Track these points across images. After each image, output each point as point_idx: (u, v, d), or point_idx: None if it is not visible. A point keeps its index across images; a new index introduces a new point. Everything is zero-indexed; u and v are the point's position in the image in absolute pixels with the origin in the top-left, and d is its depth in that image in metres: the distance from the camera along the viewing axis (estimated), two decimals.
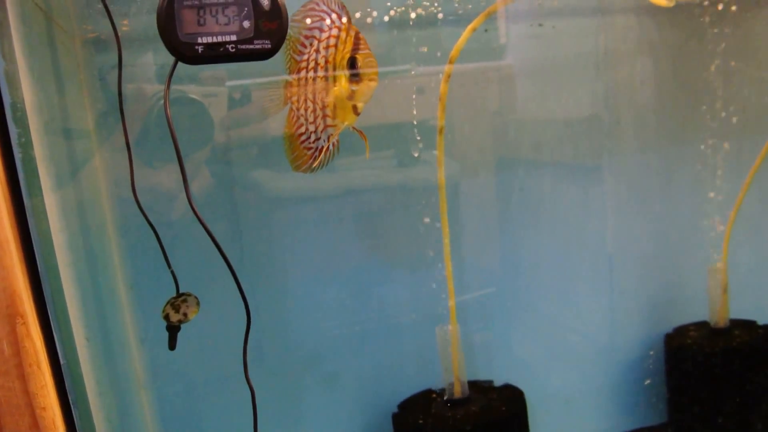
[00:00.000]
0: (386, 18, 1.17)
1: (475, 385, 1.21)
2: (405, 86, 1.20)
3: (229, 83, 1.10)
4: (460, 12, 1.19)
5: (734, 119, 1.44)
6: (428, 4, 1.18)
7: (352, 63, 0.91)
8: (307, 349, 1.24)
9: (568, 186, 1.39)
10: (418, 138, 1.21)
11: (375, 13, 1.17)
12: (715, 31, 1.38)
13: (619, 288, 1.44)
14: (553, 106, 1.35)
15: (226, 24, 0.69)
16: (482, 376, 1.30)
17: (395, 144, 1.22)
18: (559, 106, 1.35)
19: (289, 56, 0.91)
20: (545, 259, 1.38)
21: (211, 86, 1.09)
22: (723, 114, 1.43)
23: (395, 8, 1.17)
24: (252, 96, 1.12)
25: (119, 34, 1.01)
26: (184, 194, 1.12)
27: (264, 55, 0.70)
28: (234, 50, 0.69)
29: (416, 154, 1.22)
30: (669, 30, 1.38)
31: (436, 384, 1.25)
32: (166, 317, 0.85)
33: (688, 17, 1.37)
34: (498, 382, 1.28)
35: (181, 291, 0.89)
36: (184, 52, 0.68)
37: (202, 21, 0.68)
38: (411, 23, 1.18)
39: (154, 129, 1.06)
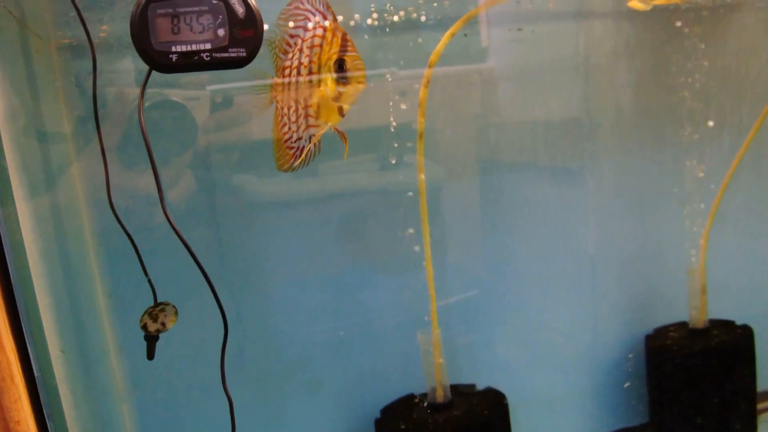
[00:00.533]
0: (369, 21, 1.17)
1: (457, 390, 1.21)
2: (388, 89, 1.20)
3: (210, 87, 1.10)
4: (439, 17, 1.20)
5: (711, 122, 1.45)
6: (413, 9, 1.18)
7: (340, 64, 0.91)
8: (290, 354, 1.24)
9: (550, 188, 1.39)
10: (396, 145, 1.21)
11: (357, 16, 1.17)
12: (691, 34, 1.40)
13: (601, 289, 1.45)
14: (533, 109, 1.35)
15: (200, 32, 0.68)
16: (465, 379, 1.30)
17: (378, 148, 1.22)
18: (540, 109, 1.36)
19: (275, 56, 0.92)
20: (528, 261, 1.39)
21: (193, 90, 1.08)
22: (700, 116, 1.44)
23: (376, 11, 1.17)
24: (234, 100, 1.11)
25: (96, 40, 1.00)
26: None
27: (239, 63, 0.69)
28: (209, 59, 0.68)
29: (394, 160, 1.23)
30: (646, 33, 1.39)
31: (419, 388, 1.25)
32: (144, 327, 0.84)
33: (664, 21, 1.39)
34: (481, 385, 1.28)
35: (160, 299, 0.88)
36: (158, 60, 0.68)
37: (176, 29, 0.68)
38: (392, 27, 1.18)
39: (136, 133, 1.05)
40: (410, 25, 1.19)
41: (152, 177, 1.11)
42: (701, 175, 1.45)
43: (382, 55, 1.20)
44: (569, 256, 1.43)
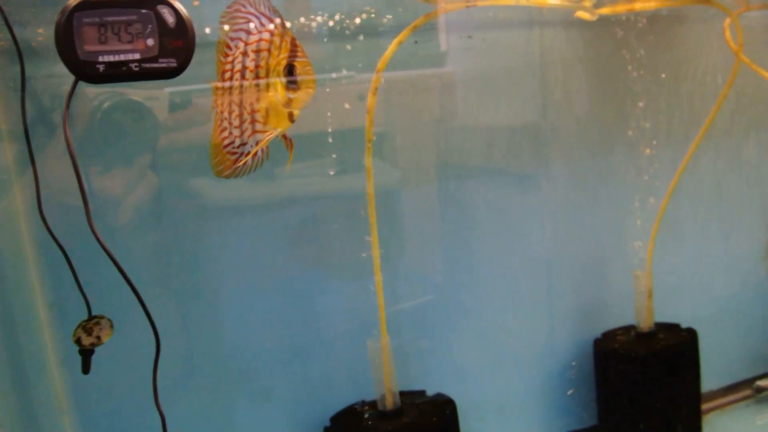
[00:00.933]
0: (331, 23, 1.17)
1: (407, 396, 1.21)
2: (348, 93, 1.20)
3: (169, 88, 1.07)
4: (392, 25, 1.20)
5: (658, 128, 1.49)
6: (372, 14, 1.18)
7: (290, 70, 0.90)
8: (239, 363, 1.22)
9: (507, 192, 1.41)
10: (335, 155, 1.21)
11: (319, 19, 1.17)
12: (638, 43, 1.43)
13: (555, 293, 1.47)
14: (490, 114, 1.36)
15: (129, 42, 0.67)
16: (418, 385, 1.30)
17: (334, 151, 1.22)
18: (496, 114, 1.37)
19: (217, 59, 0.90)
20: (485, 266, 1.40)
21: (151, 89, 1.06)
22: (647, 123, 1.47)
23: (336, 15, 1.17)
24: (192, 100, 1.09)
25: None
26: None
27: (169, 73, 0.68)
28: (138, 69, 0.67)
29: (332, 172, 1.22)
30: (596, 42, 1.42)
31: (371, 395, 1.25)
32: (78, 341, 0.82)
33: (613, 30, 1.41)
34: (434, 390, 1.28)
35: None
36: (84, 70, 0.66)
37: (103, 38, 0.66)
38: (351, 32, 1.18)
39: (93, 133, 1.03)
40: (370, 30, 1.19)
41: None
42: (648, 179, 1.48)
43: (343, 58, 1.19)
44: (525, 260, 1.44)
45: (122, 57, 0.66)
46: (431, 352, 1.37)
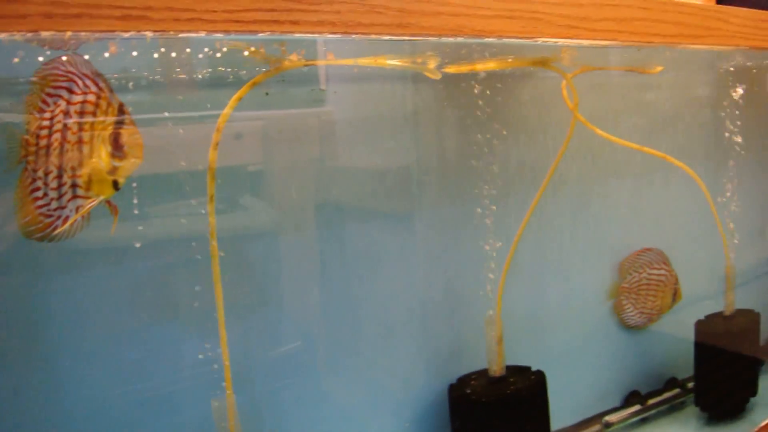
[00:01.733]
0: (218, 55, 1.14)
1: None
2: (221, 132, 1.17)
3: None
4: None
5: (513, 177, 1.57)
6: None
7: (116, 138, 0.88)
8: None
9: (382, 234, 1.42)
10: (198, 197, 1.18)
11: (207, 50, 1.14)
12: (491, 98, 1.50)
13: (429, 336, 1.49)
14: (350, 158, 1.38)
15: None
16: None
17: (200, 192, 1.18)
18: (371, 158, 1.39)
19: (28, 112, 0.86)
20: (358, 310, 1.40)
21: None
22: (504, 172, 1.55)
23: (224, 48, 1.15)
24: None
25: None
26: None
27: None
28: None
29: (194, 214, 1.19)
30: (457, 96, 1.48)
31: None
32: None
33: (468, 86, 1.48)
34: None
35: None
36: None
37: None
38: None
39: None
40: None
41: None
42: (502, 225, 1.55)
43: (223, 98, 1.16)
44: (398, 304, 1.45)
45: None
46: (295, 403, 1.35)
